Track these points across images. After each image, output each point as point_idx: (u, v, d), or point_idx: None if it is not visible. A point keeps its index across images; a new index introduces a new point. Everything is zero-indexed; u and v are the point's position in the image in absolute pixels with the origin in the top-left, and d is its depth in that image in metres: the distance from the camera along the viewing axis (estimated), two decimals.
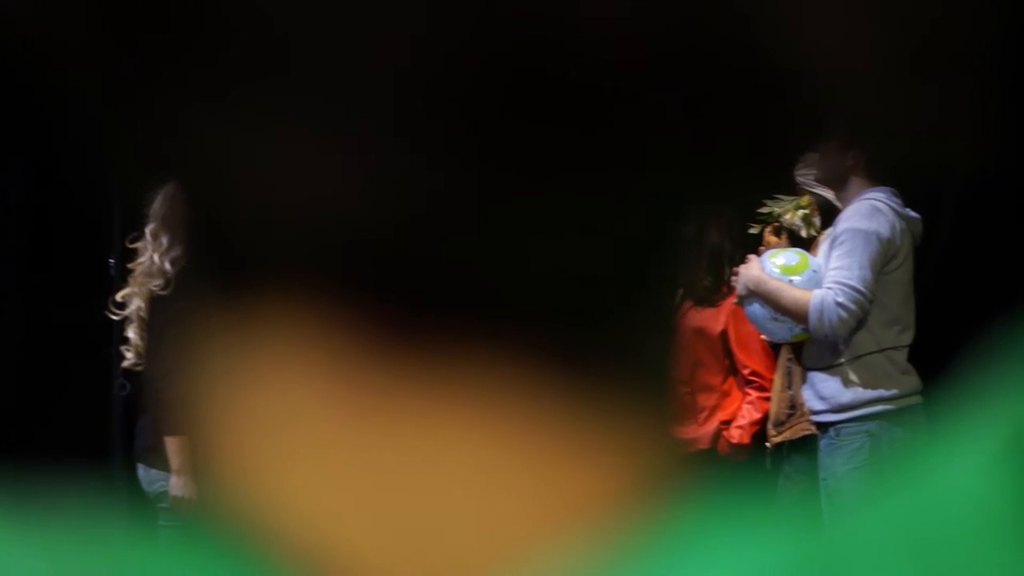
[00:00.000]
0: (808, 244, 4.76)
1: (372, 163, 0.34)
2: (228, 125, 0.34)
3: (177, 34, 0.34)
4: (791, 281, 4.48)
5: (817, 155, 4.39)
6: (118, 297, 4.83)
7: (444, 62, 0.32)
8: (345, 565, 0.35)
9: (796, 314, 4.43)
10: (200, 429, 0.37)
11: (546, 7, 0.32)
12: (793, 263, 4.54)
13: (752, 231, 4.90)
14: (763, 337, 4.96)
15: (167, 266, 4.68)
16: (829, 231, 4.57)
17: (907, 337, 4.49)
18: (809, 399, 4.54)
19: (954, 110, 0.35)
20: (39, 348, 6.37)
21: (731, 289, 4.79)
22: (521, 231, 0.34)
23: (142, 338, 4.77)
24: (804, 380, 4.58)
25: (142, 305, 4.75)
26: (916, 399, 4.45)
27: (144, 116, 0.35)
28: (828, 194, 4.71)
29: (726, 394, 5.31)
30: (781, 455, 4.91)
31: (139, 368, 4.83)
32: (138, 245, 4.79)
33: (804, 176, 4.73)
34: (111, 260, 5.60)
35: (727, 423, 5.27)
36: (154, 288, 4.70)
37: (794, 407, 4.79)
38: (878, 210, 4.42)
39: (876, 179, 4.46)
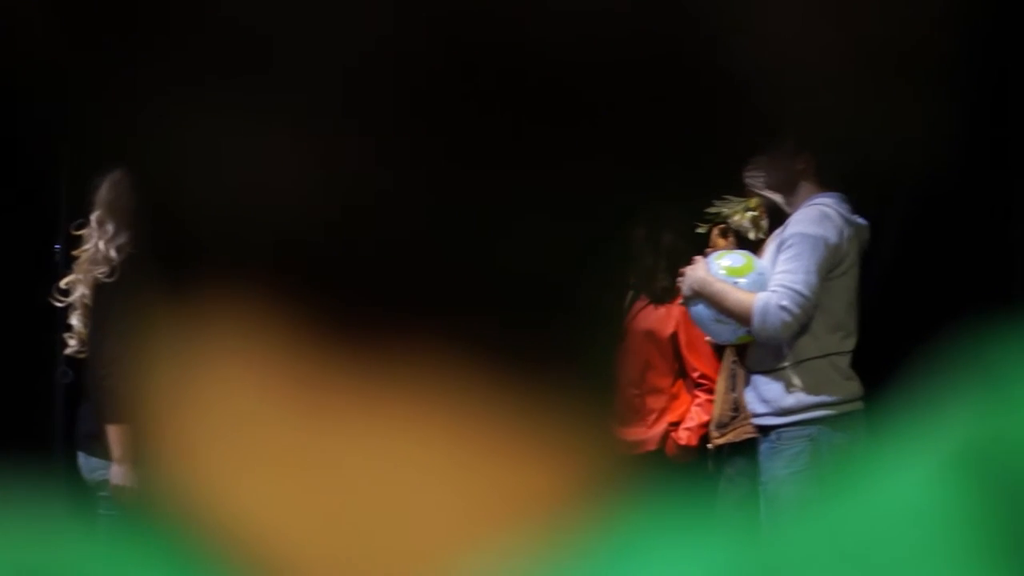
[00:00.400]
0: (756, 247, 4.79)
1: (324, 158, 0.33)
2: (176, 114, 0.34)
3: (123, 22, 0.33)
4: (736, 283, 4.50)
5: (767, 159, 4.42)
6: (62, 284, 4.80)
7: (398, 55, 0.32)
8: (287, 560, 0.35)
9: (740, 316, 4.45)
10: (142, 418, 0.37)
11: (502, 6, 0.32)
12: (739, 265, 4.56)
13: (700, 230, 4.92)
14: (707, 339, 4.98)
15: (112, 253, 4.65)
16: (776, 233, 4.59)
17: (850, 343, 4.52)
18: (751, 402, 4.57)
19: (905, 116, 0.36)
20: None
21: (677, 290, 4.81)
22: (471, 230, 0.34)
23: (85, 325, 4.74)
24: (747, 383, 4.61)
25: (86, 292, 4.72)
26: (858, 405, 4.48)
27: (92, 103, 0.35)
28: (777, 198, 4.73)
29: (675, 396, 5.33)
30: (723, 457, 4.93)
31: (82, 355, 4.81)
32: (83, 232, 4.77)
33: (754, 178, 4.75)
34: (56, 247, 5.57)
35: (676, 425, 5.29)
36: (99, 276, 4.67)
37: (737, 409, 4.81)
38: (827, 216, 4.44)
39: (825, 184, 4.49)
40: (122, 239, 4.63)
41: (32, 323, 5.82)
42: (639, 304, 5.22)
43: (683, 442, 5.24)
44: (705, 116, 0.34)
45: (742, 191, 4.83)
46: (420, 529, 0.35)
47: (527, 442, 0.35)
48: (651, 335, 5.24)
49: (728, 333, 4.60)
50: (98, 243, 4.70)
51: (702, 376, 5.26)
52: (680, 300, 4.78)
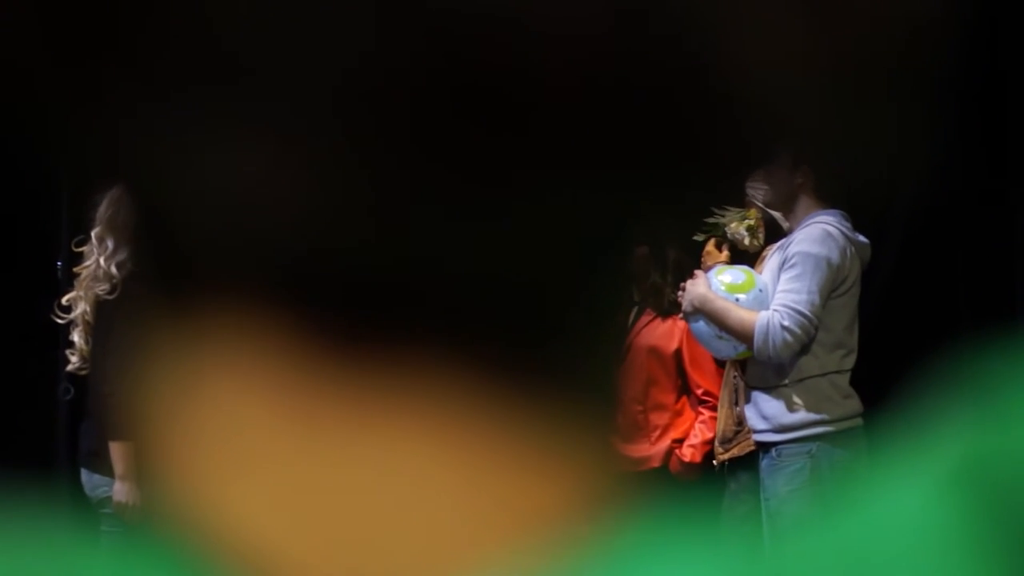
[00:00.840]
0: (752, 258, 4.78)
1: (319, 171, 0.33)
2: (176, 129, 0.34)
3: (124, 37, 0.34)
4: (737, 300, 4.50)
5: (766, 173, 4.41)
6: (64, 301, 4.80)
7: (393, 69, 0.33)
8: (289, 573, 0.35)
9: (741, 335, 4.44)
10: (144, 435, 0.37)
11: (497, 18, 0.32)
12: (739, 281, 4.55)
13: (696, 238, 4.91)
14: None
15: (113, 270, 4.65)
16: (776, 245, 4.58)
17: (850, 361, 4.51)
18: (751, 418, 4.56)
19: (902, 128, 0.36)
20: None
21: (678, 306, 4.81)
22: (470, 242, 0.34)
23: (87, 342, 4.74)
24: (747, 399, 4.60)
25: (87, 309, 4.72)
26: (857, 422, 4.48)
27: (91, 118, 0.35)
28: (774, 214, 4.72)
29: (679, 413, 5.32)
30: (726, 473, 4.92)
31: (84, 372, 4.80)
32: (84, 249, 4.76)
33: (755, 189, 4.74)
34: (59, 264, 5.56)
35: (679, 442, 5.27)
36: (100, 292, 4.67)
37: (741, 424, 4.81)
38: (830, 235, 4.44)
39: (825, 200, 4.48)
40: (122, 255, 4.63)
41: (35, 340, 5.81)
42: (643, 320, 5.21)
43: (687, 459, 5.23)
44: (704, 129, 0.34)
45: (741, 202, 4.82)
46: (421, 542, 0.35)
47: (528, 457, 0.36)
48: (655, 351, 5.24)
49: (729, 349, 4.60)
50: (98, 260, 4.70)
51: (706, 393, 5.25)
52: (680, 315, 4.77)
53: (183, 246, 0.35)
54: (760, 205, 4.80)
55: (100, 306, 4.67)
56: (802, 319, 4.38)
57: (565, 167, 0.34)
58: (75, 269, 4.80)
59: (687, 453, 5.23)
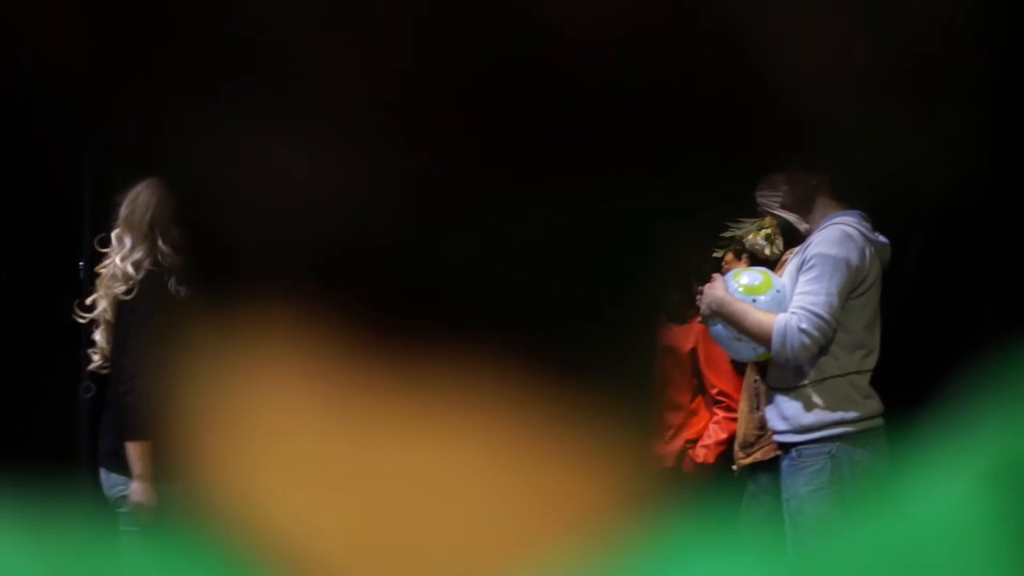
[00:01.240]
0: (772, 265, 4.77)
1: (357, 167, 0.34)
2: (208, 126, 0.34)
3: (156, 33, 0.34)
4: (754, 301, 4.48)
5: (781, 177, 4.40)
6: (87, 301, 4.81)
7: (434, 69, 0.33)
8: (327, 569, 0.35)
9: (759, 337, 4.43)
10: (168, 433, 0.37)
11: (528, 19, 0.32)
12: (756, 283, 4.54)
13: (716, 254, 4.91)
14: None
15: (129, 269, 4.65)
16: (797, 250, 4.58)
17: (871, 361, 4.50)
18: (772, 419, 4.55)
19: (924, 131, 0.36)
20: (8, 346, 6.34)
21: (697, 309, 4.80)
22: (509, 241, 0.34)
23: (108, 341, 4.75)
24: (770, 400, 4.60)
25: (108, 308, 4.73)
26: (878, 422, 4.46)
27: (119, 116, 0.35)
28: (790, 217, 4.72)
29: (693, 413, 5.31)
30: (746, 475, 4.91)
31: (105, 371, 4.81)
32: (106, 249, 4.77)
33: (766, 198, 4.74)
34: (81, 264, 5.58)
35: (693, 442, 5.26)
36: (117, 292, 4.67)
37: (763, 428, 4.79)
38: (849, 236, 4.43)
39: (843, 201, 4.47)
40: (139, 255, 4.63)
41: (57, 339, 5.83)
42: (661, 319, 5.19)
43: (700, 459, 5.22)
44: (724, 132, 0.34)
45: (754, 212, 4.82)
46: (461, 539, 0.35)
47: (563, 453, 0.36)
48: (671, 350, 5.23)
49: (748, 351, 4.59)
50: (116, 259, 4.71)
51: (721, 393, 5.24)
52: (699, 319, 4.76)
53: (218, 241, 0.36)
54: (772, 212, 4.80)
55: (120, 306, 4.68)
56: (820, 321, 4.36)
57: (603, 169, 0.34)
58: (96, 269, 4.81)
59: (700, 453, 5.22)
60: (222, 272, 0.36)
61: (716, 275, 4.64)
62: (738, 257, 4.92)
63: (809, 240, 4.49)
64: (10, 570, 0.34)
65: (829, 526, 0.34)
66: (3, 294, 6.42)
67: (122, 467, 4.69)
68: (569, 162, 0.34)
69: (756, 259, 4.88)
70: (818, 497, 4.33)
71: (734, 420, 5.08)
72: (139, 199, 4.57)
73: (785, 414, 4.49)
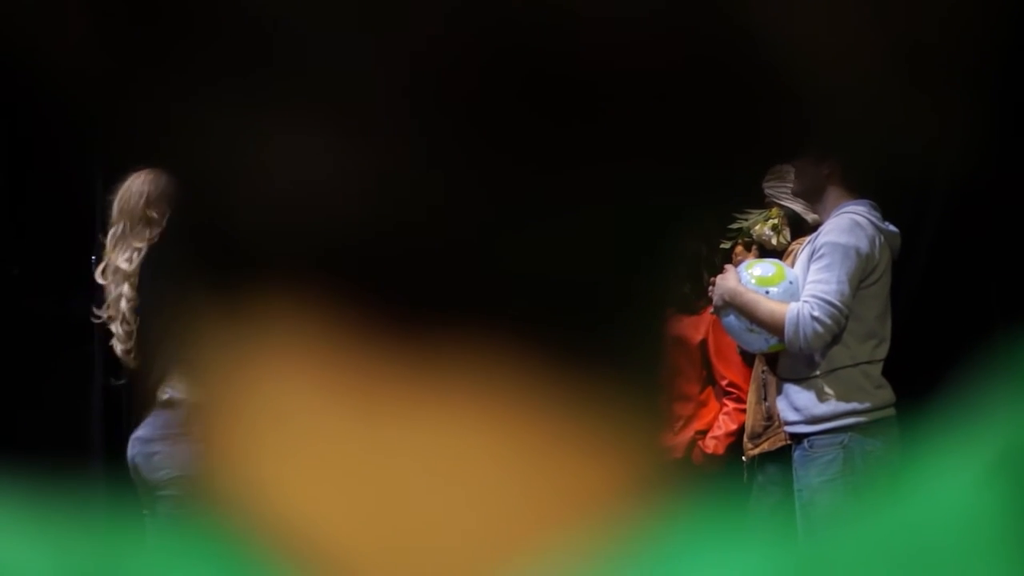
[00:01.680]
0: (780, 255, 4.77)
1: (367, 156, 0.34)
2: (218, 117, 0.34)
3: (163, 25, 0.34)
4: (767, 292, 4.48)
5: (788, 167, 4.40)
6: (101, 292, 4.82)
7: (442, 57, 0.33)
8: (342, 558, 0.35)
9: (772, 327, 4.43)
10: (195, 425, 0.37)
11: (541, 8, 0.32)
12: (769, 274, 4.54)
13: (723, 246, 4.91)
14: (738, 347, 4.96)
15: (129, 260, 4.66)
16: (807, 240, 4.58)
17: (882, 351, 4.50)
18: (783, 410, 4.55)
19: (935, 120, 0.36)
20: (20, 342, 6.36)
21: (709, 299, 4.80)
22: (519, 230, 0.34)
23: (126, 332, 4.75)
24: (779, 391, 4.59)
25: (119, 299, 4.74)
26: (889, 411, 4.46)
27: (129, 109, 0.35)
28: (797, 206, 4.72)
29: (703, 404, 5.31)
30: (755, 466, 4.91)
31: (130, 358, 4.81)
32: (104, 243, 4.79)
33: (772, 188, 4.74)
34: (93, 258, 5.59)
35: (703, 433, 5.26)
36: (125, 283, 4.68)
37: (770, 418, 4.79)
38: (858, 224, 4.42)
39: (853, 190, 4.47)
40: (138, 242, 4.64)
41: (69, 334, 5.85)
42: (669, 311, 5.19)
43: (709, 451, 5.21)
44: (734, 122, 0.34)
45: (761, 203, 4.82)
46: (472, 527, 0.35)
47: (574, 443, 0.36)
48: (680, 341, 5.22)
49: (761, 342, 4.59)
50: (114, 252, 4.72)
51: (730, 384, 5.23)
52: (711, 310, 4.76)
53: (228, 230, 0.36)
54: (779, 203, 4.80)
55: (131, 292, 4.69)
56: (832, 309, 4.36)
57: (613, 159, 0.34)
58: (99, 265, 4.82)
59: (710, 445, 5.22)
60: (234, 262, 0.36)
61: (728, 266, 4.64)
62: (748, 249, 4.92)
63: (820, 229, 4.49)
64: (23, 561, 0.34)
65: (841, 516, 0.34)
66: (15, 289, 6.43)
67: (161, 455, 4.67)
68: (578, 152, 0.34)
69: (763, 250, 4.88)
70: (830, 487, 4.33)
71: (744, 411, 5.08)
72: (132, 187, 4.58)
73: (797, 404, 4.49)
